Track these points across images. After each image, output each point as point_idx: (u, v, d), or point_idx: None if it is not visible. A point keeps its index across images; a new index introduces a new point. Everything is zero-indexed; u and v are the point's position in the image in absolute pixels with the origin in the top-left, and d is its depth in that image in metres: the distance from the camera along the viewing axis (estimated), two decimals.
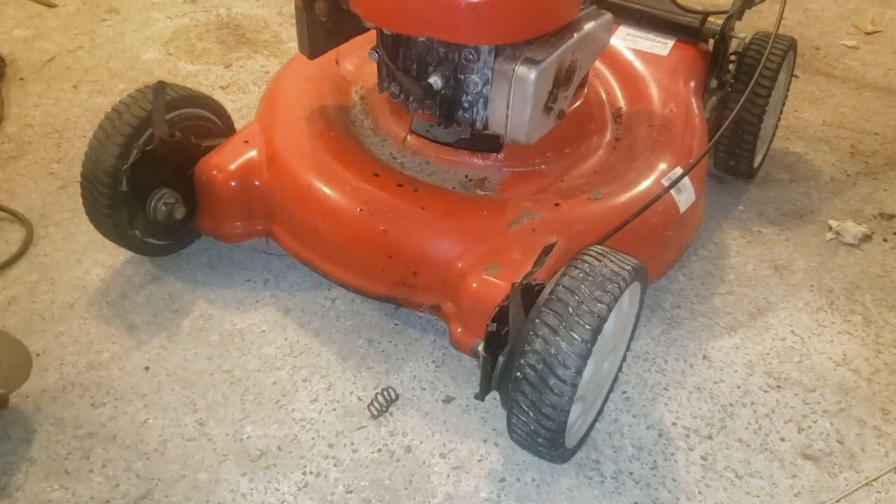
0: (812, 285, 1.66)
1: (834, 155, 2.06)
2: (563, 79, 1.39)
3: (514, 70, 1.30)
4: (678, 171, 1.52)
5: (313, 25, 1.43)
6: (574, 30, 1.38)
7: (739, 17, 1.80)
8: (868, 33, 2.67)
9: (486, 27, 1.27)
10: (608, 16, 1.46)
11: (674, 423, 1.37)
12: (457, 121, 1.41)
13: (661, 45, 1.78)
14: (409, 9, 1.27)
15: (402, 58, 1.39)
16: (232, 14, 2.52)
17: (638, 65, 1.74)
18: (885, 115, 2.24)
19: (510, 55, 1.32)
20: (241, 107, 2.11)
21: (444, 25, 1.27)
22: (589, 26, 1.41)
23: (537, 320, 1.12)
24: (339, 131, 1.54)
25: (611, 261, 1.19)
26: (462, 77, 1.36)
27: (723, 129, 1.63)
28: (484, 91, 1.37)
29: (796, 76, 2.36)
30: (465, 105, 1.39)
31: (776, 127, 2.00)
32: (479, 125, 1.41)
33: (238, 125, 1.68)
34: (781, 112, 1.99)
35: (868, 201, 1.91)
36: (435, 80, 1.35)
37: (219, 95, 2.14)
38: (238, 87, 2.19)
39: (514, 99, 1.33)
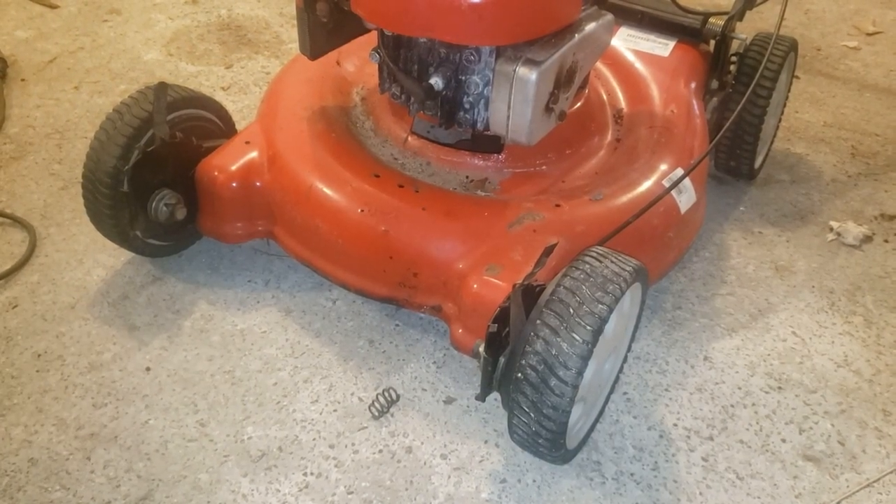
0: (813, 286, 1.66)
1: (835, 156, 2.06)
2: (565, 80, 1.39)
3: (515, 71, 1.30)
4: (679, 171, 1.52)
5: (314, 26, 1.43)
6: (575, 31, 1.38)
7: (740, 18, 1.80)
8: (869, 34, 2.67)
9: (487, 28, 1.27)
10: (609, 17, 1.46)
11: (675, 425, 1.37)
12: (458, 122, 1.41)
13: (662, 46, 1.78)
14: (410, 10, 1.27)
15: (403, 59, 1.39)
16: (233, 15, 2.53)
17: (639, 66, 1.74)
18: (887, 116, 2.24)
19: (511, 56, 1.31)
20: (242, 108, 2.11)
21: (445, 26, 1.27)
22: (590, 27, 1.41)
23: (538, 321, 1.12)
24: (340, 132, 1.54)
25: (612, 262, 1.19)
26: (463, 78, 1.36)
27: (724, 129, 1.63)
28: (485, 92, 1.37)
29: (797, 77, 2.36)
30: (467, 106, 1.39)
31: (777, 128, 2.00)
32: (480, 126, 1.41)
33: (239, 126, 1.68)
34: (782, 113, 1.99)
35: (869, 202, 1.90)
36: (436, 81, 1.35)
37: (220, 96, 2.14)
38: (239, 88, 2.19)
39: (515, 100, 1.32)
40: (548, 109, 1.38)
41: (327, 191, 1.43)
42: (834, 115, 2.23)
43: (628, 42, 1.80)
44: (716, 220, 1.82)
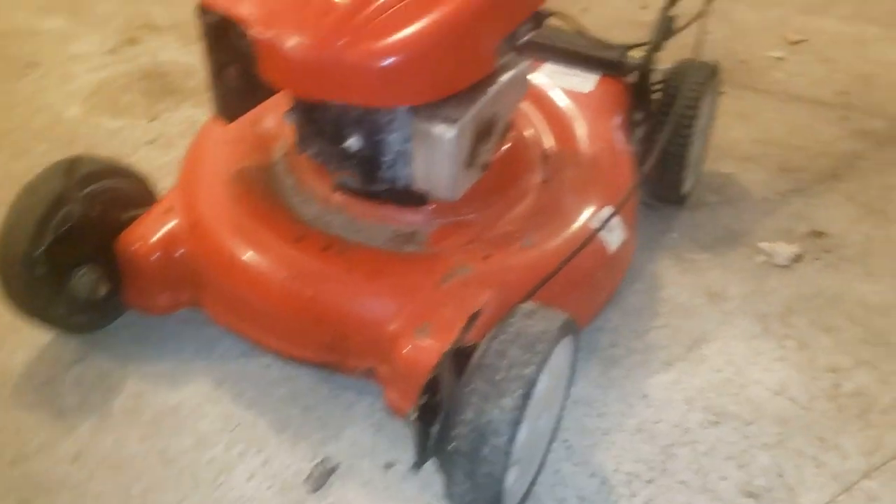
0: (746, 312, 1.68)
1: (763, 173, 2.09)
2: (484, 131, 1.39)
3: (432, 130, 1.29)
4: (607, 210, 1.52)
5: (227, 90, 1.40)
6: (492, 82, 1.37)
7: (660, 49, 1.81)
8: (793, 43, 2.71)
9: (398, 90, 1.25)
10: (526, 63, 1.46)
11: (615, 470, 1.37)
12: (378, 180, 1.39)
13: (586, 81, 1.78)
14: (318, 76, 1.25)
15: (317, 120, 1.37)
16: (156, 62, 2.48)
17: (563, 103, 1.74)
18: (812, 128, 2.28)
19: (428, 114, 1.30)
20: (167, 162, 2.06)
21: (355, 91, 1.25)
22: (507, 77, 1.40)
23: (468, 389, 1.12)
24: (262, 193, 1.52)
25: (540, 319, 1.19)
26: (380, 137, 1.34)
27: (648, 164, 1.63)
28: (404, 149, 1.36)
29: (724, 93, 2.39)
30: (386, 164, 1.37)
31: (705, 150, 2.02)
32: (401, 183, 1.39)
33: (165, 182, 1.65)
34: (709, 135, 2.01)
35: (798, 219, 1.93)
36: (352, 143, 1.33)
37: (144, 152, 2.10)
38: (164, 141, 2.14)
39: (434, 158, 1.32)
40: (469, 163, 1.37)
41: (250, 257, 1.40)
42: (761, 131, 2.25)
43: (553, 78, 1.80)
44: (648, 249, 1.82)
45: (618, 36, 2.72)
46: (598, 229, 1.47)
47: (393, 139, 1.34)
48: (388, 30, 1.23)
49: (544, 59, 1.83)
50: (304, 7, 1.25)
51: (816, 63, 2.60)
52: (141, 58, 2.50)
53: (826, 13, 2.89)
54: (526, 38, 1.45)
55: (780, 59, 2.61)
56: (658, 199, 1.92)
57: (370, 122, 1.33)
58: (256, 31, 1.26)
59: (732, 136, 2.22)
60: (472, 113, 1.32)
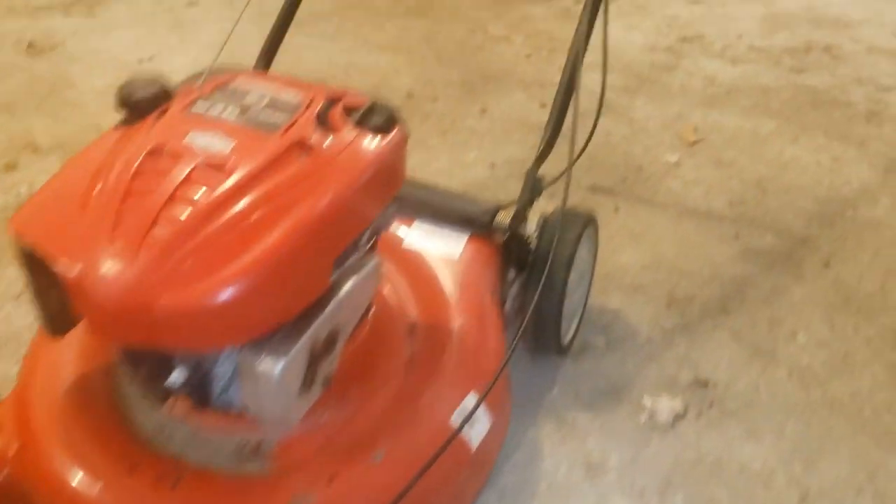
0: (624, 487, 1.62)
1: (651, 307, 2.05)
2: (323, 349, 1.31)
3: (256, 367, 1.21)
4: (471, 400, 1.46)
5: (52, 309, 1.31)
6: (331, 296, 1.30)
7: (530, 206, 1.76)
8: (691, 143, 2.69)
9: (219, 333, 1.17)
10: (375, 260, 1.38)
11: None
12: (209, 408, 1.31)
13: (455, 242, 1.72)
14: (130, 322, 1.16)
15: (137, 355, 1.29)
16: (33, 192, 2.36)
17: (430, 269, 1.68)
18: (703, 247, 2.25)
19: (254, 347, 1.22)
20: (32, 322, 1.95)
21: (171, 337, 1.17)
22: (349, 285, 1.33)
23: None
24: (101, 405, 1.42)
25: None
26: (206, 370, 1.26)
27: (514, 344, 1.54)
28: (234, 376, 1.28)
29: (617, 210, 2.36)
30: (214, 395, 1.29)
31: (588, 294, 1.97)
32: (236, 409, 1.31)
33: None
34: (591, 279, 1.96)
35: (683, 364, 1.89)
36: (176, 377, 1.25)
37: (11, 308, 1.99)
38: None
39: (262, 393, 1.24)
40: (307, 387, 1.30)
41: (81, 488, 1.31)
42: (652, 254, 2.22)
43: (420, 237, 1.73)
44: (528, 409, 1.76)
45: (517, 139, 2.69)
46: (459, 429, 1.41)
47: (220, 371, 1.26)
48: (206, 270, 1.13)
49: (416, 214, 1.77)
50: (114, 241, 1.16)
51: (712, 167, 2.58)
52: (19, 187, 2.39)
53: (725, 106, 2.89)
54: (373, 239, 1.39)
55: (676, 164, 2.59)
56: (538, 350, 1.87)
57: (193, 358, 1.25)
58: (62, 267, 1.17)
59: (622, 261, 2.19)
60: (304, 340, 1.24)
